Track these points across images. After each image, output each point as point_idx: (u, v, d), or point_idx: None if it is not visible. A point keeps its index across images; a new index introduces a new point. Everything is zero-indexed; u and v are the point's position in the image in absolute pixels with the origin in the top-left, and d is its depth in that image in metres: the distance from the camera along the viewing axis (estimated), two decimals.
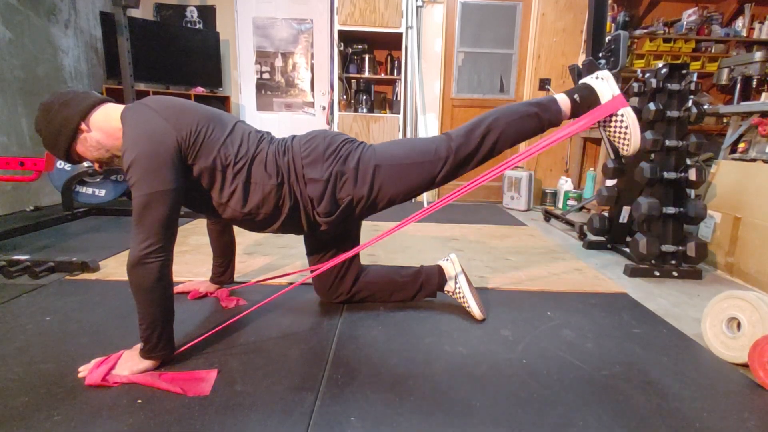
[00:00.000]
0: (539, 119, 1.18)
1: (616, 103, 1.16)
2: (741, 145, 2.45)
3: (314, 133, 1.24)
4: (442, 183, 1.22)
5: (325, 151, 1.18)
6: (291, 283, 1.71)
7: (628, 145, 1.19)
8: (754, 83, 3.08)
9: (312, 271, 1.46)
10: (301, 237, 1.43)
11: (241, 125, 1.20)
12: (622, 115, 1.17)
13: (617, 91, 1.17)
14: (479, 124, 1.18)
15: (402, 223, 1.26)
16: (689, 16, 3.63)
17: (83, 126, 1.07)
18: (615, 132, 1.21)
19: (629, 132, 1.17)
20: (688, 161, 1.98)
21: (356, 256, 1.44)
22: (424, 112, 3.91)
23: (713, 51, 3.68)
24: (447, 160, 1.17)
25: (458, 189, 1.21)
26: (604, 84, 1.19)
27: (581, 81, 1.25)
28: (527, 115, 1.17)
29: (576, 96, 1.20)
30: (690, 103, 2.00)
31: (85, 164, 2.61)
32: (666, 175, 1.94)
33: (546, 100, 1.20)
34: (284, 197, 1.17)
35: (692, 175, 1.93)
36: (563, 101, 1.20)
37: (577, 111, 1.21)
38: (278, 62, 4.09)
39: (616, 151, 2.37)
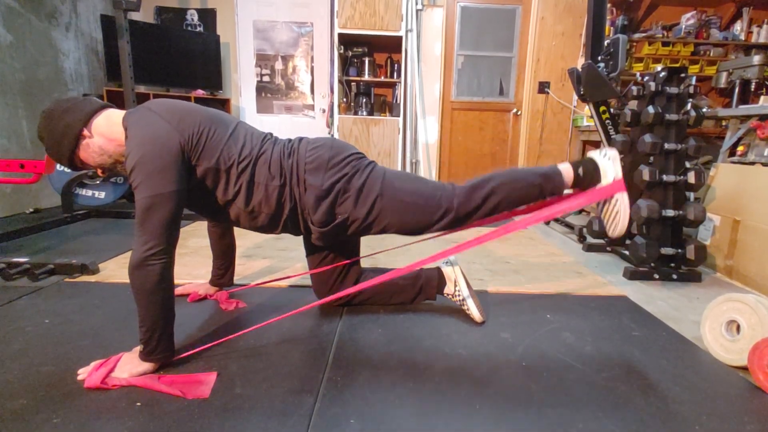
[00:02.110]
0: (541, 190, 1.22)
1: (615, 188, 1.20)
2: (740, 148, 2.46)
3: (323, 140, 1.24)
4: (437, 231, 1.24)
5: (329, 160, 1.18)
6: (291, 286, 1.71)
7: (615, 228, 1.23)
8: (753, 87, 3.09)
9: (311, 277, 1.46)
10: (301, 239, 1.44)
11: (242, 125, 1.21)
12: (617, 200, 1.21)
13: (619, 174, 1.21)
14: (483, 184, 1.20)
15: (414, 264, 1.26)
16: (688, 19, 3.64)
17: (85, 132, 1.08)
18: (607, 213, 1.25)
19: (619, 217, 1.21)
20: (687, 164, 1.99)
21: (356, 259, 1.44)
22: (424, 115, 3.92)
23: (712, 54, 3.70)
24: (446, 214, 1.20)
25: (466, 243, 1.23)
26: (610, 165, 1.22)
27: (590, 155, 1.26)
28: (531, 185, 1.21)
29: (580, 170, 1.23)
30: (689, 106, 2.01)
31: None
32: (665, 178, 1.94)
33: (551, 172, 1.24)
34: (286, 199, 1.18)
35: (691, 178, 1.93)
36: (567, 173, 1.24)
37: (579, 183, 1.25)
38: (278, 65, 4.10)
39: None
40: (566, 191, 1.26)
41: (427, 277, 1.47)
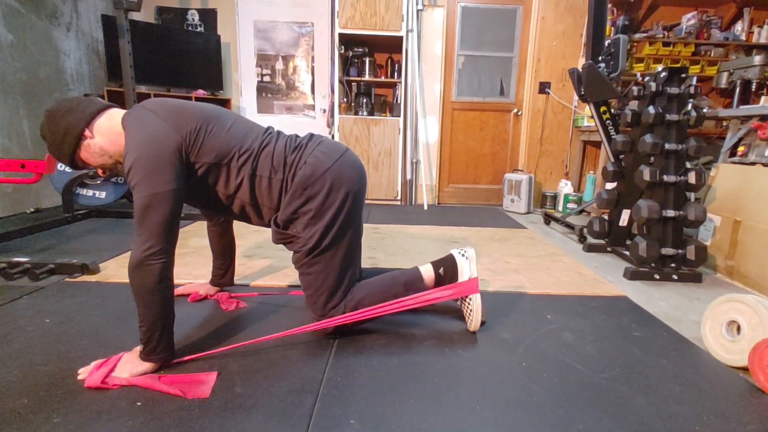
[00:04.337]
0: (402, 296, 1.28)
1: (469, 288, 1.31)
2: (740, 149, 2.46)
3: (335, 149, 1.23)
4: (306, 305, 1.28)
5: (327, 171, 1.17)
6: (291, 286, 1.71)
7: (470, 323, 1.34)
8: (754, 87, 3.09)
9: None
10: None
11: (241, 120, 1.21)
12: (470, 300, 1.32)
13: (475, 273, 1.33)
14: (356, 296, 1.25)
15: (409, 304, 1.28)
16: (688, 20, 3.64)
17: (87, 132, 1.08)
18: (464, 309, 1.36)
19: (473, 315, 1.32)
20: (688, 164, 1.98)
21: None
22: (425, 115, 3.92)
23: (712, 55, 3.69)
24: (325, 312, 1.24)
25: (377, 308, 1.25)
26: (466, 264, 1.34)
27: (451, 253, 1.38)
28: (394, 294, 1.28)
29: (441, 270, 1.35)
30: (689, 106, 2.01)
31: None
32: (666, 178, 1.94)
33: (414, 279, 1.33)
34: (283, 192, 1.18)
35: (692, 178, 1.93)
36: (428, 276, 1.34)
37: (440, 282, 1.35)
38: (279, 65, 4.10)
39: (615, 155, 2.38)
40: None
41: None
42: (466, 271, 1.33)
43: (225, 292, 1.55)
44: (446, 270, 1.35)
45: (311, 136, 1.25)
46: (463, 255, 1.35)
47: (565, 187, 3.80)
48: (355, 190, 1.22)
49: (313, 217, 1.17)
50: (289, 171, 1.17)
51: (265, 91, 4.15)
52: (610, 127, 2.59)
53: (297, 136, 1.25)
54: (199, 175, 1.11)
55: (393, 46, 3.70)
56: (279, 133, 1.24)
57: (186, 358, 1.12)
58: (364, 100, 3.78)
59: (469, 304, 1.32)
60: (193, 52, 3.68)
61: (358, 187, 1.23)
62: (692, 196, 2.07)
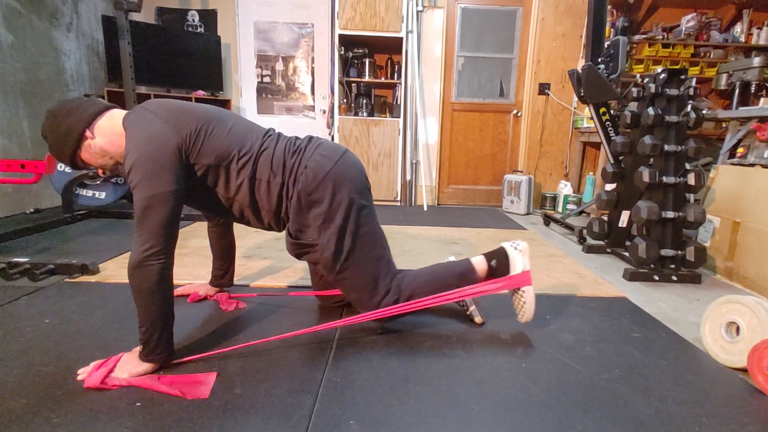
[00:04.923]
0: (456, 287, 1.29)
1: (522, 280, 1.30)
2: (740, 150, 2.46)
3: (334, 150, 1.23)
4: (353, 304, 1.29)
5: (328, 174, 1.17)
6: (291, 286, 1.71)
7: (522, 316, 1.33)
8: (753, 88, 3.09)
9: (311, 277, 1.46)
10: None
11: (241, 122, 1.21)
12: (524, 292, 1.31)
13: (528, 266, 1.31)
14: (407, 287, 1.25)
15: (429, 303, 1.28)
16: (688, 21, 3.64)
17: (88, 133, 1.08)
18: (517, 301, 1.34)
19: (525, 308, 1.31)
20: (687, 166, 1.99)
21: None
22: (424, 115, 3.92)
23: (712, 56, 3.70)
24: (374, 305, 1.24)
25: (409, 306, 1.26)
26: (519, 257, 1.32)
27: (503, 245, 1.36)
28: (447, 285, 1.29)
29: (493, 262, 1.34)
30: (689, 108, 2.01)
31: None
32: (665, 179, 1.95)
33: (467, 270, 1.34)
34: (284, 196, 1.18)
35: (691, 179, 1.93)
36: (480, 267, 1.34)
37: (492, 274, 1.35)
38: (279, 66, 4.11)
39: (615, 155, 2.38)
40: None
41: None
42: (518, 263, 1.31)
43: (225, 293, 1.55)
44: (498, 262, 1.34)
45: (310, 138, 1.25)
46: (515, 248, 1.34)
47: (565, 188, 3.81)
48: (359, 188, 1.22)
49: (324, 222, 1.17)
50: (289, 176, 1.17)
51: (265, 91, 4.15)
52: (610, 129, 2.59)
53: (297, 138, 1.25)
54: (198, 176, 1.11)
55: (393, 47, 3.70)
56: (279, 135, 1.23)
57: (186, 359, 1.12)
58: (364, 101, 3.78)
59: (522, 296, 1.31)
60: (193, 52, 3.68)
61: (362, 184, 1.23)
62: (692, 197, 2.07)
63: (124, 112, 1.13)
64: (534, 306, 1.30)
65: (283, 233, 1.29)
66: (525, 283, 1.30)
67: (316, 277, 1.45)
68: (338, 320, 1.30)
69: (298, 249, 1.23)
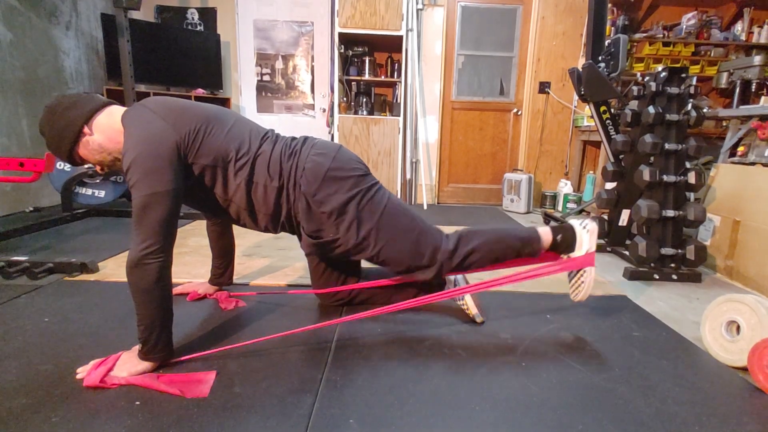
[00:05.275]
0: (518, 254, 1.29)
1: (586, 261, 1.28)
2: (740, 149, 2.46)
3: (329, 147, 1.23)
4: (412, 279, 1.28)
5: (328, 171, 1.17)
6: (290, 285, 1.71)
7: (576, 296, 1.33)
8: (754, 87, 3.09)
9: (311, 276, 1.46)
10: None
11: (241, 122, 1.20)
12: (584, 272, 1.30)
13: (593, 248, 1.29)
14: (466, 241, 1.24)
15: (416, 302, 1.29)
16: (689, 19, 3.63)
17: (86, 129, 1.08)
18: (573, 280, 1.34)
19: (582, 288, 1.30)
20: (688, 164, 1.98)
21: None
22: (424, 114, 3.91)
23: (712, 55, 3.69)
24: (429, 267, 1.23)
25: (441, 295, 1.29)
26: (587, 237, 1.30)
27: (571, 222, 1.35)
28: (509, 248, 1.27)
29: (559, 237, 1.31)
30: (689, 106, 2.00)
31: (86, 165, 2.62)
32: (665, 178, 1.94)
33: (532, 237, 1.31)
34: (283, 201, 1.17)
35: (692, 178, 1.93)
36: (546, 238, 1.31)
37: (554, 248, 1.33)
38: (279, 64, 4.10)
39: (615, 154, 2.38)
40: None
41: None
42: (585, 243, 1.29)
43: (224, 292, 1.55)
44: (564, 239, 1.31)
45: (305, 139, 1.24)
46: (584, 227, 1.31)
47: (565, 187, 3.80)
48: (360, 174, 1.22)
49: (337, 217, 1.17)
50: (288, 180, 1.16)
51: (264, 90, 4.14)
52: (610, 127, 2.59)
53: (293, 139, 1.24)
54: (196, 176, 1.11)
55: (393, 45, 3.69)
56: (277, 137, 1.23)
57: (184, 357, 1.11)
58: (364, 100, 3.78)
59: (581, 276, 1.29)
60: (192, 51, 3.67)
61: (362, 170, 1.23)
62: (692, 196, 2.06)
63: (123, 109, 1.13)
64: (591, 288, 1.28)
65: (282, 233, 1.29)
66: (588, 264, 1.28)
67: (316, 275, 1.45)
68: (338, 319, 1.31)
69: (322, 248, 1.23)
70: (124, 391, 0.98)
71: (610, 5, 3.51)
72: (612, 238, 2.41)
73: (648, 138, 1.95)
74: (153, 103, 1.09)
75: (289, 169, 1.16)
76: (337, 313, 1.45)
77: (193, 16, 3.93)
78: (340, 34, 3.53)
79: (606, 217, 2.45)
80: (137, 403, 0.94)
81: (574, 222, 1.33)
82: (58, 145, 1.08)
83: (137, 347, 1.05)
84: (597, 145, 3.85)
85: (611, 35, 3.49)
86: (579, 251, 1.29)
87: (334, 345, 1.24)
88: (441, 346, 1.25)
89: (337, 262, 1.41)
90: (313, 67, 4.10)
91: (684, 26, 3.64)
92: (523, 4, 3.81)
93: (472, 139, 4.06)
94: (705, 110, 2.71)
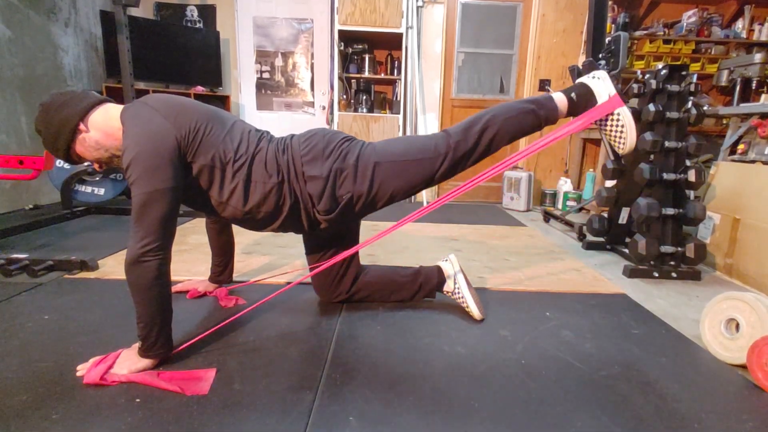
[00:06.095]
0: (536, 116, 1.19)
1: (613, 103, 1.18)
2: (740, 147, 2.46)
3: (314, 131, 1.24)
4: (441, 180, 1.22)
5: (324, 149, 1.18)
6: (290, 283, 1.71)
7: (624, 143, 1.22)
8: (754, 85, 3.09)
9: (311, 270, 1.46)
10: (301, 236, 1.43)
11: (240, 123, 1.20)
12: (618, 114, 1.19)
13: (613, 90, 1.19)
14: (477, 121, 1.19)
15: (401, 222, 1.26)
16: (689, 17, 3.63)
17: (82, 126, 1.07)
18: (612, 131, 1.23)
19: (625, 131, 1.19)
20: (688, 162, 1.98)
21: (356, 255, 1.44)
22: (424, 112, 3.91)
23: (713, 52, 3.69)
24: (446, 157, 1.18)
25: (457, 188, 1.23)
26: (601, 83, 1.21)
27: (578, 80, 1.26)
28: (524, 112, 1.18)
29: (573, 94, 1.22)
30: (690, 104, 2.00)
31: (85, 163, 2.62)
32: (665, 176, 1.94)
33: (543, 98, 1.22)
34: (284, 196, 1.17)
35: (691, 176, 1.93)
36: (560, 99, 1.22)
37: (574, 110, 1.23)
38: (278, 62, 4.09)
39: (614, 151, 2.37)
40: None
41: (426, 275, 1.47)
42: (602, 91, 1.19)
43: (224, 289, 1.55)
44: (579, 95, 1.21)
45: (292, 136, 1.25)
46: (593, 77, 1.22)
47: (565, 185, 3.80)
48: (347, 136, 1.23)
49: (346, 177, 1.16)
50: (288, 172, 1.16)
51: (264, 87, 4.14)
52: None
53: (281, 138, 1.25)
54: (194, 175, 1.10)
55: (393, 42, 3.69)
56: (271, 138, 1.23)
57: (182, 347, 1.12)
58: (364, 97, 3.77)
59: (617, 120, 1.18)
60: (191, 48, 3.67)
61: (343, 136, 1.23)
62: (692, 194, 2.06)
63: (118, 106, 1.12)
64: (635, 127, 1.18)
65: (280, 234, 1.28)
66: (617, 105, 1.17)
67: (314, 258, 1.44)
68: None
69: (342, 217, 1.21)
70: (124, 389, 0.98)
71: (610, 2, 3.50)
72: (612, 236, 2.41)
73: (648, 136, 1.95)
74: (153, 101, 1.09)
75: (286, 162, 1.16)
76: (337, 310, 1.45)
77: (193, 13, 3.92)
78: (340, 32, 3.52)
79: (606, 215, 2.45)
80: (137, 400, 0.94)
81: (582, 78, 1.24)
82: (54, 143, 1.08)
83: (137, 345, 1.05)
84: (597, 142, 3.85)
85: (612, 32, 3.48)
86: (601, 100, 1.19)
87: (334, 342, 1.24)
88: (440, 343, 1.25)
89: (339, 258, 1.40)
90: (312, 64, 4.09)
91: (685, 24, 3.64)
92: (524, 1, 3.80)
93: None
94: (705, 108, 2.71)
